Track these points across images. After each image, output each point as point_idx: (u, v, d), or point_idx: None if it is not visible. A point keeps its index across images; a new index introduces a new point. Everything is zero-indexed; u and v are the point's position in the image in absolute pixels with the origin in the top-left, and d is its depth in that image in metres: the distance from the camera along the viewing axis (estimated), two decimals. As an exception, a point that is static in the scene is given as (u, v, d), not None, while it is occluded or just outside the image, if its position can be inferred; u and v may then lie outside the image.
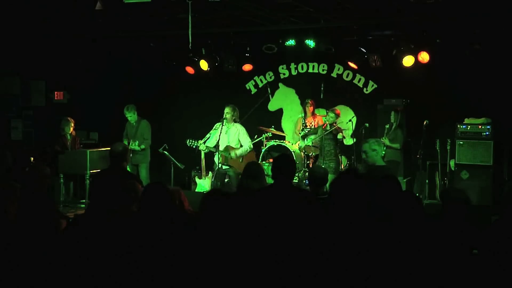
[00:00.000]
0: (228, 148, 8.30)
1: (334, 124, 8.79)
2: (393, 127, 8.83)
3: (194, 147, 8.46)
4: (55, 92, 11.27)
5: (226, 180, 8.48)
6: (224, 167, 8.32)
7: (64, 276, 3.69)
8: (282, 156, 4.63)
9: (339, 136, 8.82)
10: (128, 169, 6.97)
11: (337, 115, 8.91)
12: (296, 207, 4.16)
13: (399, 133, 8.79)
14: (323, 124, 9.01)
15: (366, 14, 8.58)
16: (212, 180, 8.47)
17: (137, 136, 9.21)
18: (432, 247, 3.30)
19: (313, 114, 9.52)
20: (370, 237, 3.13)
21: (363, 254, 3.07)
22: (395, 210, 3.47)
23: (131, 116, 9.25)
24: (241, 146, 8.39)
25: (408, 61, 8.87)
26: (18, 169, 6.17)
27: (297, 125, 10.04)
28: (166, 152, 9.11)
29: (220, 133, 8.21)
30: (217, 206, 3.46)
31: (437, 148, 8.81)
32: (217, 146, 8.12)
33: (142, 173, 9.14)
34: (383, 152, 5.23)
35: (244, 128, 8.46)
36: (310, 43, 9.36)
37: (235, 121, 8.41)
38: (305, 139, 9.13)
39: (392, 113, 8.87)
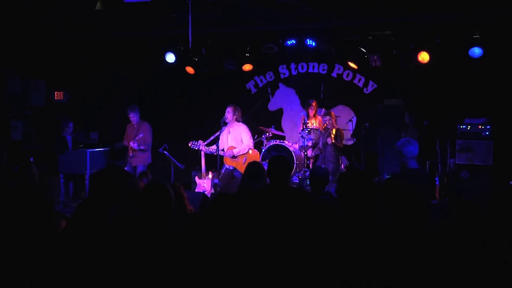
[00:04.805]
0: (231, 149, 8.34)
1: (335, 126, 8.85)
2: (409, 128, 8.87)
3: (197, 149, 8.49)
4: (55, 92, 11.26)
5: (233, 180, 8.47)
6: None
7: (64, 276, 3.69)
8: (277, 157, 4.63)
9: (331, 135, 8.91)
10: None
11: (332, 116, 8.97)
12: (292, 207, 4.16)
13: (415, 134, 8.80)
14: (323, 125, 9.02)
15: (366, 14, 8.59)
16: (218, 180, 8.44)
17: (137, 138, 9.21)
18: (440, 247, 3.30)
19: (315, 115, 9.51)
20: (374, 238, 3.11)
21: (365, 255, 3.06)
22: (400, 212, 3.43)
23: (134, 116, 9.23)
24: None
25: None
26: (12, 169, 6.21)
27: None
28: (166, 152, 9.11)
29: (221, 133, 8.23)
30: (221, 208, 3.47)
31: (437, 148, 8.81)
32: (219, 146, 8.15)
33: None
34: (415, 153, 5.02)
35: (246, 128, 8.45)
36: (311, 42, 9.36)
37: (237, 121, 8.41)
38: (305, 139, 9.13)
39: (406, 114, 8.93)
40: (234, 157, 8.28)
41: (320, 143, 9.02)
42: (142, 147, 9.13)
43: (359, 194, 3.21)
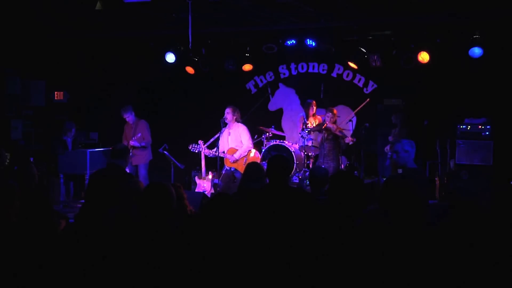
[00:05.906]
0: (232, 151, 8.35)
1: (336, 125, 8.85)
2: (397, 128, 8.88)
3: (197, 152, 8.49)
4: (55, 92, 11.26)
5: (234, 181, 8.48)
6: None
7: (63, 276, 3.69)
8: (276, 157, 4.63)
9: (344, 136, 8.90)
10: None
11: (335, 114, 8.98)
12: (291, 207, 4.16)
13: (404, 134, 8.79)
14: (323, 123, 9.02)
15: (366, 14, 8.59)
16: (218, 180, 8.45)
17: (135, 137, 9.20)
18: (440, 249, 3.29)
19: (315, 115, 9.51)
20: (375, 238, 3.12)
21: (366, 255, 3.06)
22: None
23: (129, 116, 9.22)
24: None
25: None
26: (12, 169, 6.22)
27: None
28: (166, 152, 9.11)
29: (221, 134, 8.25)
30: (219, 209, 3.47)
31: (437, 148, 8.81)
32: (219, 148, 8.16)
33: (141, 173, 9.14)
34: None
35: (246, 128, 8.48)
36: (311, 42, 9.36)
37: (237, 121, 8.43)
38: (305, 139, 9.13)
39: (393, 115, 8.95)
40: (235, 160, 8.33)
41: (319, 139, 9.02)
42: (143, 144, 9.12)
43: (349, 196, 3.26)
